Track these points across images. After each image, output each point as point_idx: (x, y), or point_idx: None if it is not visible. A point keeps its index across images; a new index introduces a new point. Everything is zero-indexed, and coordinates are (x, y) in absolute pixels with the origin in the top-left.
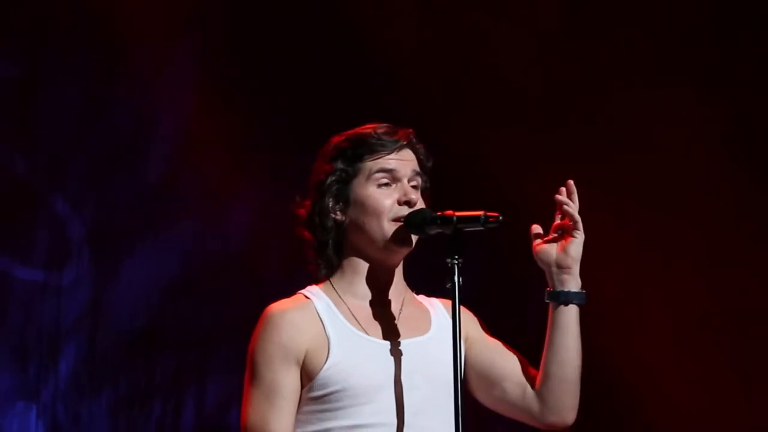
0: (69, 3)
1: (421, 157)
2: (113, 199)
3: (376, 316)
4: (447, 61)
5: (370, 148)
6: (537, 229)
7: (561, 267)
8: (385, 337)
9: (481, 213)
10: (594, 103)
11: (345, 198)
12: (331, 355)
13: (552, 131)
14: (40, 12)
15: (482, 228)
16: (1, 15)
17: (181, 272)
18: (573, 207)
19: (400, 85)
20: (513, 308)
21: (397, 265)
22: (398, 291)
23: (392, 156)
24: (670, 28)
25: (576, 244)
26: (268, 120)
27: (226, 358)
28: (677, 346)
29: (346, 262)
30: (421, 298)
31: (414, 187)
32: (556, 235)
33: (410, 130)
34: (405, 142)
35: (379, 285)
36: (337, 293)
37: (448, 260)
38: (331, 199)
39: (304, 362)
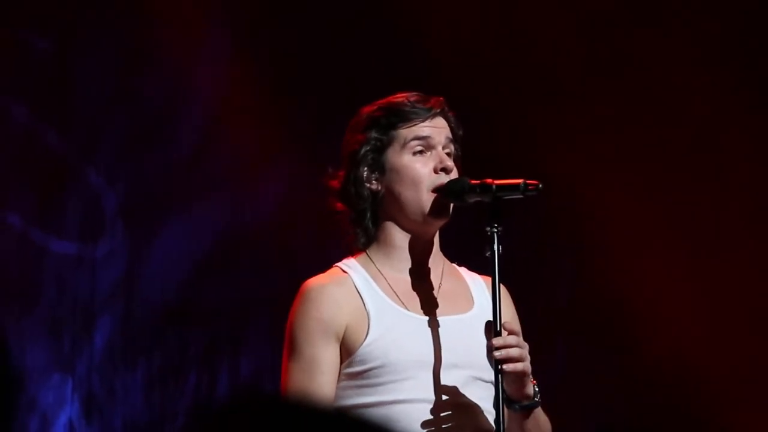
0: None
1: (453, 125)
2: (146, 173)
3: (416, 289)
4: (477, 34)
5: (403, 116)
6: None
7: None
8: (425, 312)
9: (521, 181)
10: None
11: (380, 167)
12: (371, 330)
13: (586, 106)
14: None
15: (522, 196)
16: None
17: (214, 245)
18: (503, 353)
19: (432, 56)
20: (542, 278)
21: (433, 236)
22: (436, 262)
23: (426, 123)
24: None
25: (509, 379)
26: (299, 93)
27: (260, 331)
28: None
29: (381, 234)
30: (463, 270)
31: (448, 154)
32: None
33: (441, 98)
34: (438, 110)
35: (416, 256)
36: (375, 265)
37: (488, 228)
38: (366, 169)
39: (343, 338)
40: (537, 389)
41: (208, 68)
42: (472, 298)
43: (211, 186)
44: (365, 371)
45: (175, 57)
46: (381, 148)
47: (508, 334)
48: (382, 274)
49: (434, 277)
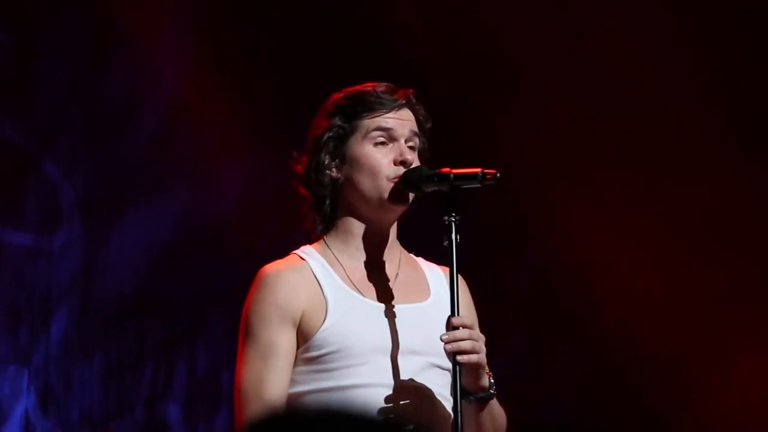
0: None
1: (420, 117)
2: (105, 165)
3: (371, 278)
4: (449, 27)
5: (368, 105)
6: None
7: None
8: (380, 300)
9: (478, 170)
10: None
11: (341, 155)
12: (328, 316)
13: (549, 99)
14: None
15: (480, 185)
16: None
17: (173, 237)
18: (453, 346)
19: (401, 49)
20: (506, 266)
21: (391, 225)
22: (393, 252)
23: (390, 115)
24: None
25: (464, 371)
26: (260, 85)
27: (218, 323)
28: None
29: (340, 222)
30: (421, 261)
31: (411, 147)
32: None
33: (410, 90)
34: (404, 101)
35: (373, 245)
36: (332, 253)
37: (446, 218)
38: (327, 156)
39: (300, 323)
40: (492, 381)
41: (168, 60)
42: (429, 287)
43: (170, 178)
44: (322, 356)
45: (135, 49)
46: (344, 136)
47: (461, 328)
48: (339, 261)
49: (391, 267)
